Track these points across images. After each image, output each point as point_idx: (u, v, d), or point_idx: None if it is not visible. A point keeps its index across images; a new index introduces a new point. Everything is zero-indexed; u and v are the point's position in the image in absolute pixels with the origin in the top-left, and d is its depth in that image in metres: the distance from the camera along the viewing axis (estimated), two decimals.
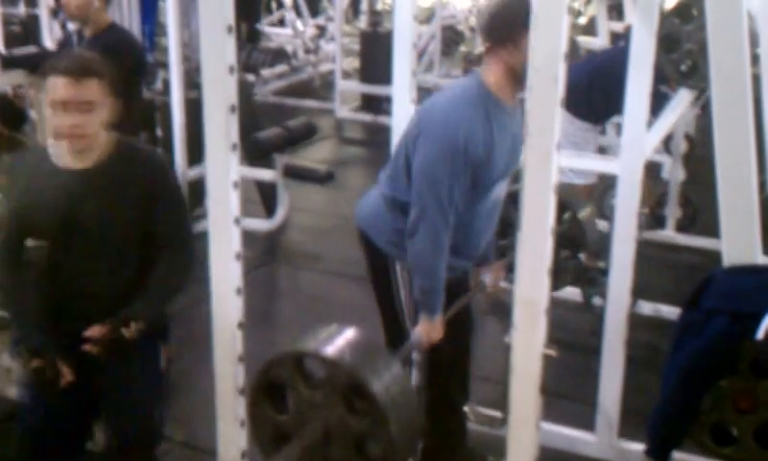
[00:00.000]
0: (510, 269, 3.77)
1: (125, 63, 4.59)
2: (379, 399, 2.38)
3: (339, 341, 2.49)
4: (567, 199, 4.20)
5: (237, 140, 2.81)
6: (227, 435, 3.04)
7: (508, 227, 3.85)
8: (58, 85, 3.04)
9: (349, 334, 2.53)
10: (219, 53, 2.72)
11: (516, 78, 3.17)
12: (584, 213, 4.07)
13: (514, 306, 2.57)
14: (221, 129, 2.78)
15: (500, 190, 3.49)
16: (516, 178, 3.08)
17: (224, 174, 2.81)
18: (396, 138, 3.82)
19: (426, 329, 3.37)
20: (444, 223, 3.26)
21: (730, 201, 2.77)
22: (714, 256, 3.21)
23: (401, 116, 3.80)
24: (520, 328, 2.57)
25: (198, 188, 6.93)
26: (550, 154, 2.45)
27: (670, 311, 5.28)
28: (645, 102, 3.81)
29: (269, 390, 2.54)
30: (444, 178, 3.21)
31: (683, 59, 4.57)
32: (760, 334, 2.54)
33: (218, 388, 3.01)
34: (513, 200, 3.38)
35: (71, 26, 4.85)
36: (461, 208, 3.31)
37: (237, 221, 2.84)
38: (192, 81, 6.93)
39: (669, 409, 2.78)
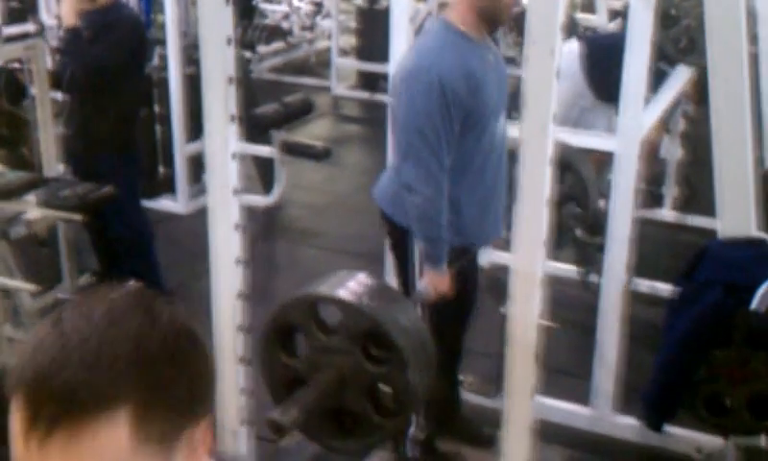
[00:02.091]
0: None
1: (127, 42, 4.60)
2: (398, 343, 2.38)
3: (354, 285, 2.50)
4: (568, 156, 4.20)
5: (236, 112, 2.82)
6: (227, 404, 3.07)
7: None
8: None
9: (363, 279, 2.54)
10: (217, 24, 2.74)
11: (483, 18, 3.29)
12: (585, 170, 4.08)
13: (510, 278, 2.59)
14: (219, 100, 2.80)
15: (500, 133, 3.48)
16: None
17: (222, 145, 2.83)
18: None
19: (433, 280, 3.37)
20: (438, 166, 3.25)
21: (726, 175, 2.79)
22: (712, 236, 3.23)
23: None
24: (517, 299, 2.59)
25: (197, 164, 7.00)
26: (546, 126, 2.47)
27: (667, 289, 5.28)
28: (643, 78, 3.82)
29: (281, 334, 2.55)
30: (429, 121, 3.21)
31: (681, 35, 4.58)
32: (754, 305, 2.57)
33: (218, 358, 3.03)
34: None
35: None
36: (460, 153, 3.31)
37: (236, 192, 2.86)
38: (190, 57, 6.94)
39: (664, 379, 2.81)
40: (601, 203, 4.76)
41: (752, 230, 2.77)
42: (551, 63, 2.42)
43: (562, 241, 4.16)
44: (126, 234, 4.81)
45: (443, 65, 3.23)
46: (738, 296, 2.61)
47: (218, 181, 2.86)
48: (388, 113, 3.74)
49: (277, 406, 2.46)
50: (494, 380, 3.92)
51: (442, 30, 3.38)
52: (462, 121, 3.27)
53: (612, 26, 7.85)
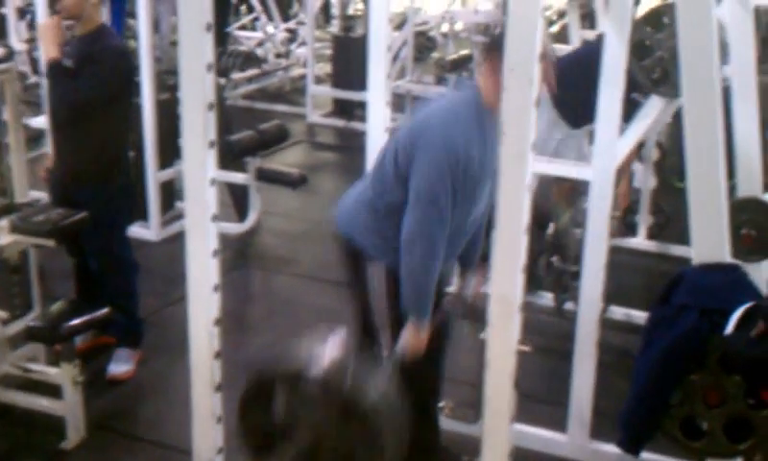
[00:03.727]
0: None
1: (111, 74, 4.57)
2: (374, 417, 2.48)
3: (328, 356, 2.58)
4: (549, 208, 4.24)
5: (214, 138, 2.82)
6: (202, 432, 3.05)
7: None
8: None
9: (337, 345, 2.63)
10: (197, 51, 2.74)
11: None
12: (564, 221, 4.11)
13: (489, 304, 2.60)
14: (198, 126, 2.79)
15: (488, 192, 3.51)
16: None
17: (201, 171, 2.82)
18: (372, 142, 3.84)
19: (413, 336, 3.40)
20: (442, 235, 3.32)
21: (700, 202, 2.82)
22: (685, 264, 3.26)
23: (377, 120, 3.83)
24: (495, 325, 2.60)
25: (169, 190, 6.98)
26: (525, 154, 2.49)
27: (641, 316, 5.32)
28: (617, 109, 3.86)
29: (258, 397, 2.62)
30: (444, 193, 3.26)
31: (654, 66, 4.62)
32: (729, 330, 2.59)
33: (194, 385, 3.02)
34: None
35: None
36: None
37: (214, 218, 2.85)
38: (163, 82, 6.93)
39: (640, 403, 2.82)
40: (576, 231, 4.80)
41: (725, 256, 2.80)
42: (529, 92, 2.44)
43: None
44: (105, 264, 4.78)
45: (466, 137, 3.27)
46: (713, 320, 2.63)
47: (196, 208, 2.85)
48: (366, 140, 3.75)
49: None
50: (474, 405, 3.94)
51: (471, 99, 3.38)
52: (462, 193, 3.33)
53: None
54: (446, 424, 4.16)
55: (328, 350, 2.60)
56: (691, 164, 2.85)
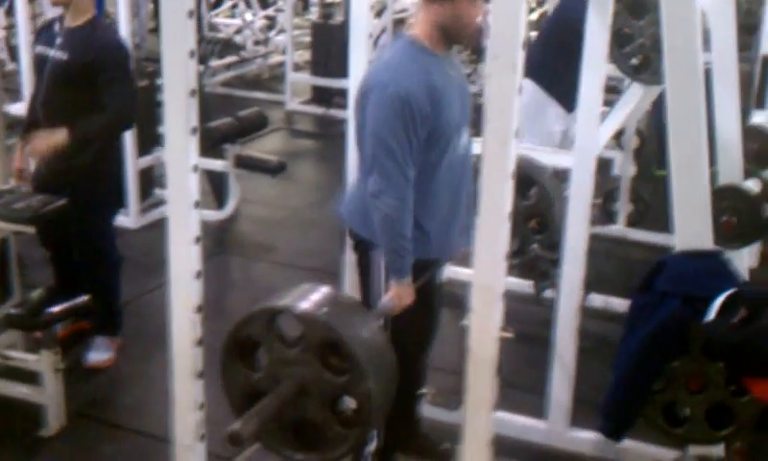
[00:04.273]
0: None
1: (108, 67, 4.49)
2: (358, 354, 2.41)
3: (314, 297, 2.53)
4: (533, 171, 4.23)
5: (197, 125, 2.81)
6: (184, 419, 3.03)
7: None
8: None
9: (324, 291, 2.57)
10: (179, 37, 2.72)
11: (446, 33, 3.37)
12: (550, 184, 4.11)
13: (471, 290, 2.61)
14: (181, 113, 2.78)
15: (463, 148, 3.52)
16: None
17: (183, 158, 2.81)
18: (353, 129, 3.83)
19: (397, 292, 3.39)
20: (402, 177, 3.30)
21: (683, 189, 2.83)
22: (664, 251, 3.27)
23: None
24: (477, 312, 2.61)
25: (148, 177, 6.95)
26: (508, 141, 2.49)
27: (621, 304, 5.36)
28: (599, 96, 3.87)
29: (241, 348, 2.57)
30: (395, 135, 3.25)
31: (635, 53, 4.63)
32: (711, 316, 2.61)
33: (175, 372, 3.00)
34: None
35: (52, 12, 4.65)
36: (424, 168, 3.36)
37: (197, 205, 2.84)
38: (142, 70, 6.89)
39: (623, 389, 2.83)
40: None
41: (708, 243, 2.81)
42: (513, 78, 2.43)
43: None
44: (89, 253, 4.74)
45: (406, 79, 3.27)
46: (696, 307, 2.64)
47: (178, 194, 2.84)
48: (348, 128, 3.74)
49: (238, 419, 2.45)
50: (456, 392, 3.95)
51: (405, 45, 3.42)
52: (425, 135, 3.30)
53: None
54: (428, 411, 4.17)
55: (312, 293, 2.57)
56: (674, 151, 2.85)
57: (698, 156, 2.81)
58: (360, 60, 3.76)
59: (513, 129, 2.48)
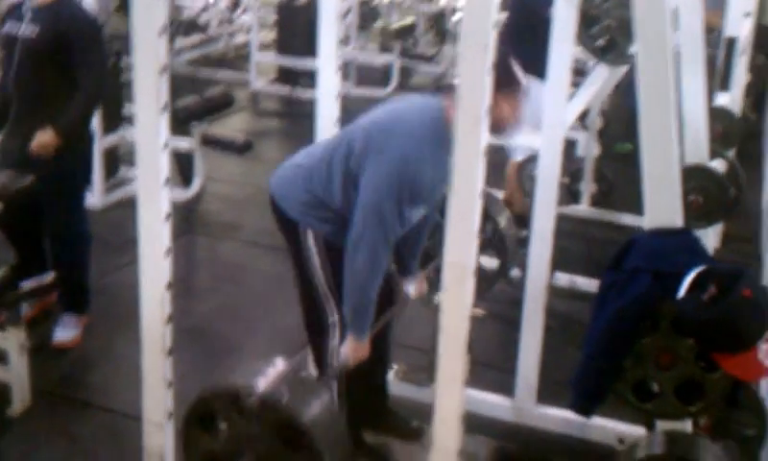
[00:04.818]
0: (432, 283, 3.87)
1: (81, 38, 4.47)
2: (314, 435, 2.50)
3: (273, 375, 2.62)
4: (488, 207, 4.26)
5: (167, 102, 2.80)
6: (153, 397, 3.04)
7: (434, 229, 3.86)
8: None
9: (282, 368, 2.67)
10: (150, 14, 2.71)
11: None
12: (503, 221, 4.13)
13: (443, 269, 2.63)
14: (151, 91, 2.77)
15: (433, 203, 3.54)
16: None
17: (153, 136, 2.80)
18: (322, 109, 3.82)
19: (354, 349, 3.41)
20: (385, 248, 3.31)
21: (652, 167, 2.85)
22: (628, 231, 3.31)
23: (327, 87, 3.82)
24: (449, 290, 2.63)
25: (113, 156, 6.91)
26: (480, 119, 2.51)
27: (586, 283, 5.42)
28: (567, 76, 3.89)
29: (202, 417, 2.65)
30: (390, 210, 3.25)
31: (601, 35, 4.66)
32: (681, 293, 2.64)
33: (145, 349, 3.01)
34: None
35: None
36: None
37: (167, 182, 2.84)
38: (107, 49, 6.83)
39: (593, 366, 2.86)
40: (526, 200, 4.84)
41: (678, 222, 2.83)
42: (485, 58, 2.45)
43: None
44: (60, 232, 4.71)
45: (419, 163, 3.25)
46: (666, 284, 2.67)
47: (148, 172, 2.83)
48: (313, 108, 3.72)
49: None
50: (425, 370, 3.98)
51: (434, 121, 3.34)
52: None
53: None
54: (398, 388, 4.20)
55: (268, 372, 2.64)
56: (644, 130, 2.86)
57: (668, 134, 2.84)
58: (330, 41, 3.76)
59: (484, 108, 2.50)
